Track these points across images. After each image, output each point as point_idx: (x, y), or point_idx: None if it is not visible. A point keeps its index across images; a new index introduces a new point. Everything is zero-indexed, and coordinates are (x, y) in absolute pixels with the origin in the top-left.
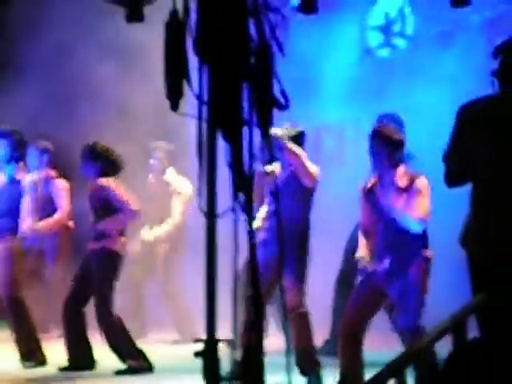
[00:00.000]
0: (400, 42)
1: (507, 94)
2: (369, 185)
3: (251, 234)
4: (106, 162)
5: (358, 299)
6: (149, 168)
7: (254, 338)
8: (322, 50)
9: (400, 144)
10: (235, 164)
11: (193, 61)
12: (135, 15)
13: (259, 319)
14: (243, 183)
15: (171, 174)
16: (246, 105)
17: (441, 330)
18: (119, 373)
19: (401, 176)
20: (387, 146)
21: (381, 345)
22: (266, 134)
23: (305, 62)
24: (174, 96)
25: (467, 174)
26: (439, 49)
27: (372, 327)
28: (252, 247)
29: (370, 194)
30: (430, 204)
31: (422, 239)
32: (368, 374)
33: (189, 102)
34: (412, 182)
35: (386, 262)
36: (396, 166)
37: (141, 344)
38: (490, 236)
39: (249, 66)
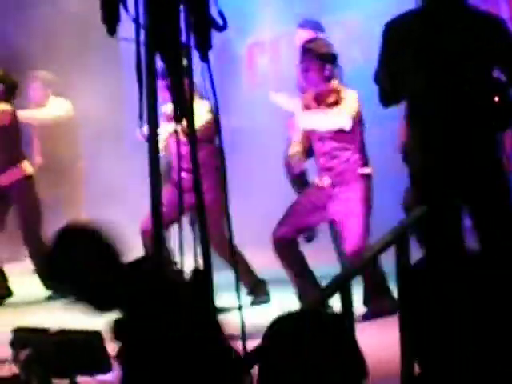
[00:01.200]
0: None
1: (431, 6)
2: (304, 101)
3: (195, 159)
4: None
5: (297, 209)
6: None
7: (202, 259)
8: None
9: (331, 58)
10: (175, 86)
11: None
12: None
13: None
14: (184, 106)
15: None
16: (183, 27)
17: (384, 243)
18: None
19: (332, 91)
20: (318, 60)
21: (324, 260)
22: (204, 56)
23: None
24: (111, 20)
25: (400, 93)
26: None
27: (315, 243)
28: (196, 173)
29: (305, 111)
30: (356, 108)
31: (360, 156)
32: None
33: (126, 26)
34: (340, 95)
35: (326, 180)
36: (328, 80)
37: None
38: (429, 150)
39: None
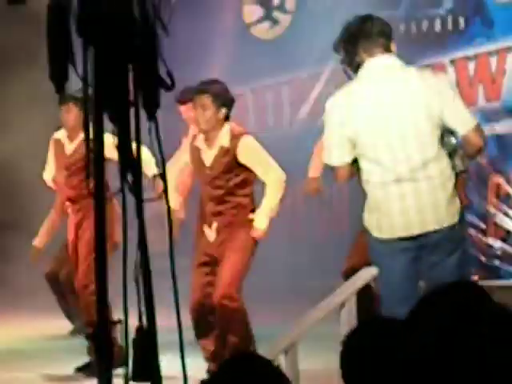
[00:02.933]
0: (280, 17)
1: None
2: (195, 141)
3: (140, 214)
4: None
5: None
6: None
7: (146, 317)
8: (199, 26)
9: (227, 101)
10: (122, 145)
11: (77, 42)
12: None
13: (150, 297)
14: (131, 165)
15: None
16: (131, 86)
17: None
18: None
19: (225, 134)
20: (214, 102)
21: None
22: (152, 116)
23: (184, 35)
24: (59, 79)
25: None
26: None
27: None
28: (141, 227)
29: (195, 151)
30: (266, 158)
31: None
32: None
33: (74, 85)
34: (236, 141)
35: (214, 227)
36: (222, 123)
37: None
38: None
39: (133, 47)
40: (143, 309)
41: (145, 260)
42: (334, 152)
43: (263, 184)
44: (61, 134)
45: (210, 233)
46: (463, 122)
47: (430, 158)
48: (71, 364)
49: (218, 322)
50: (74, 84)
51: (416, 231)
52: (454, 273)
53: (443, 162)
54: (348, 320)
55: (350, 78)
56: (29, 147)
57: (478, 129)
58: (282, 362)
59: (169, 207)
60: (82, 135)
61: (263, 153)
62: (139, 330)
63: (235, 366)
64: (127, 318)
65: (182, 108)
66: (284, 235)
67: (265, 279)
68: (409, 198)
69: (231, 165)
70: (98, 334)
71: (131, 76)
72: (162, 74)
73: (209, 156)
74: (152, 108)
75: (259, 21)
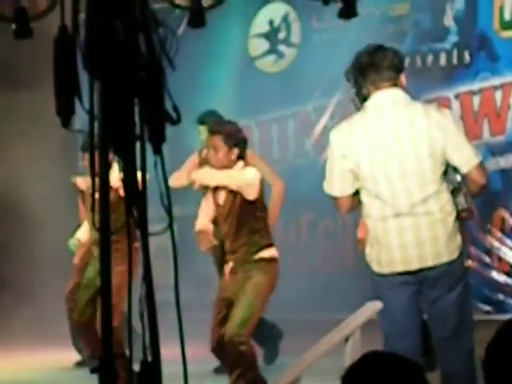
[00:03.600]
0: (286, 50)
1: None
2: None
3: (146, 248)
4: None
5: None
6: None
7: (151, 350)
8: (204, 58)
9: (239, 142)
10: (128, 179)
11: (83, 76)
12: (24, 31)
13: (155, 331)
14: (136, 198)
15: None
16: (137, 120)
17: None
18: None
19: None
20: (226, 143)
21: None
22: (158, 149)
23: (190, 69)
24: (65, 113)
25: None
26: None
27: None
28: (146, 260)
29: (210, 188)
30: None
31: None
32: None
33: (80, 119)
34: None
35: (229, 266)
36: (235, 163)
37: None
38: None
39: (139, 81)
40: (147, 343)
41: (150, 293)
42: (336, 184)
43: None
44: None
45: (226, 271)
46: (466, 160)
47: (430, 194)
48: None
49: (228, 362)
50: (80, 117)
51: (415, 266)
52: (455, 308)
53: (444, 198)
54: (353, 354)
55: (357, 109)
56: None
57: (480, 166)
58: None
59: (173, 241)
60: None
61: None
62: (144, 363)
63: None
64: (132, 352)
65: (202, 128)
66: (288, 268)
67: (267, 313)
68: (408, 233)
69: (243, 203)
70: (103, 368)
71: (137, 110)
72: (167, 108)
73: (221, 196)
74: (158, 142)
75: (265, 54)
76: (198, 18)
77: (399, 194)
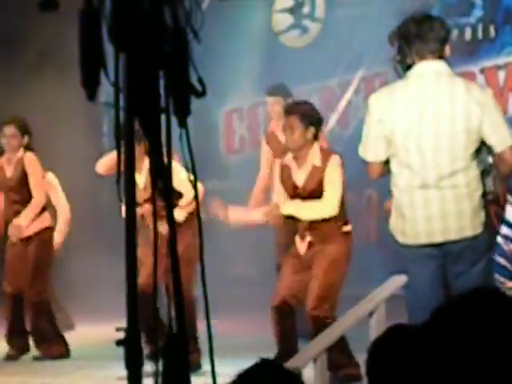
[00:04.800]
0: (310, 25)
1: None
2: (285, 162)
3: (171, 220)
4: None
5: (288, 274)
6: None
7: (177, 324)
8: (229, 33)
9: (315, 121)
10: (153, 151)
11: (108, 48)
12: (49, 3)
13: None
14: (162, 171)
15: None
16: (162, 92)
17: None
18: (37, 358)
19: (315, 153)
20: (302, 122)
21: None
22: (183, 122)
23: (213, 46)
24: (91, 85)
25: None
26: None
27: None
28: (172, 233)
29: (285, 170)
30: (339, 189)
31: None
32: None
33: (105, 92)
34: (326, 160)
35: (307, 240)
36: (311, 143)
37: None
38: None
39: (164, 54)
40: (173, 315)
41: (175, 265)
42: (370, 148)
43: None
44: None
45: (302, 246)
46: (501, 139)
47: (458, 169)
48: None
49: (312, 333)
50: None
51: (438, 239)
52: (478, 283)
53: (471, 174)
54: (377, 327)
55: (399, 76)
56: None
57: None
58: (311, 369)
59: (199, 214)
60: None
61: (338, 177)
62: (169, 337)
63: (253, 375)
64: (158, 325)
65: (270, 99)
66: None
67: None
68: (433, 205)
69: (322, 182)
70: (128, 341)
71: (162, 82)
72: (192, 81)
73: (300, 176)
74: (183, 115)
75: (289, 29)
76: None
77: (429, 165)
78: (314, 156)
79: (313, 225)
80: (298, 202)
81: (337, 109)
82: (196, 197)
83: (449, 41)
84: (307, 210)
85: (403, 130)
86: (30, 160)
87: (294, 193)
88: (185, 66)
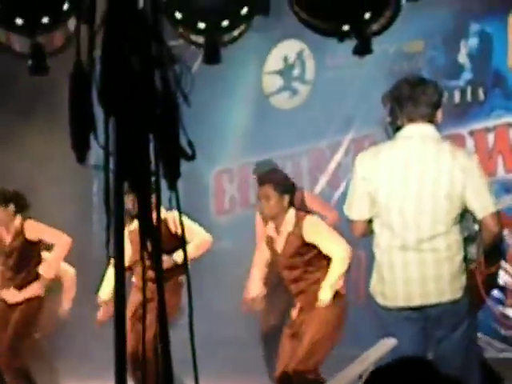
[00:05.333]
0: (300, 87)
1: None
2: (267, 232)
3: (160, 281)
4: None
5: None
6: None
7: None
8: (219, 94)
9: (289, 188)
10: (142, 214)
11: (99, 111)
12: (40, 67)
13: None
14: (151, 233)
15: None
16: (152, 156)
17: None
18: None
19: (290, 219)
20: (276, 191)
21: None
22: (173, 185)
23: (203, 107)
24: (81, 148)
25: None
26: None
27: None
28: (160, 293)
29: (269, 239)
30: (332, 233)
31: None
32: None
33: (95, 154)
34: (300, 224)
35: (298, 306)
36: (286, 210)
37: None
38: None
39: (154, 117)
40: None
41: (164, 327)
42: (355, 206)
43: None
44: None
45: (293, 312)
46: (483, 205)
47: (439, 233)
48: None
49: None
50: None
51: (417, 302)
52: (461, 347)
53: (453, 238)
54: None
55: (388, 137)
56: None
57: (496, 215)
58: None
59: (188, 276)
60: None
61: (326, 230)
62: None
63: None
64: None
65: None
66: None
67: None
68: (412, 268)
69: (301, 246)
70: None
71: (152, 145)
72: (182, 144)
73: (279, 243)
74: (173, 178)
75: (279, 91)
76: (213, 55)
77: (409, 227)
78: (288, 222)
79: (300, 290)
80: (325, 284)
81: (327, 170)
82: (185, 259)
83: (441, 106)
84: (336, 273)
85: (386, 190)
86: (32, 225)
87: (278, 261)
88: (175, 129)
